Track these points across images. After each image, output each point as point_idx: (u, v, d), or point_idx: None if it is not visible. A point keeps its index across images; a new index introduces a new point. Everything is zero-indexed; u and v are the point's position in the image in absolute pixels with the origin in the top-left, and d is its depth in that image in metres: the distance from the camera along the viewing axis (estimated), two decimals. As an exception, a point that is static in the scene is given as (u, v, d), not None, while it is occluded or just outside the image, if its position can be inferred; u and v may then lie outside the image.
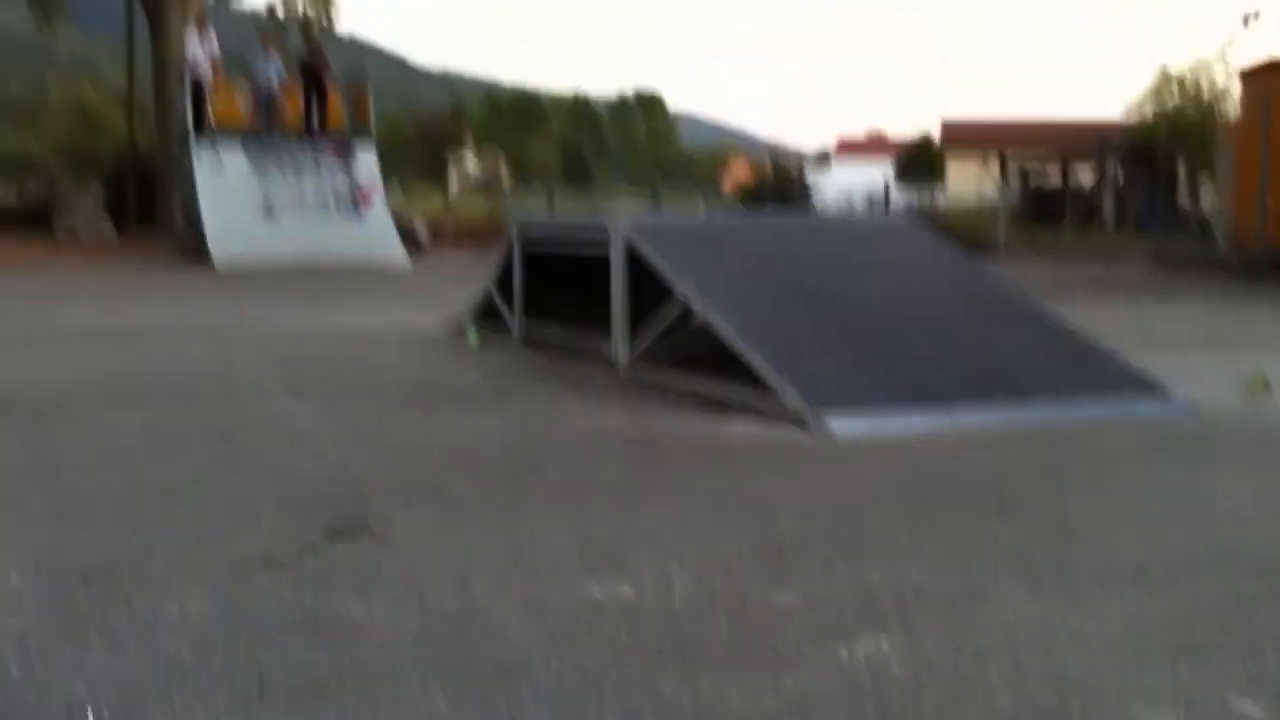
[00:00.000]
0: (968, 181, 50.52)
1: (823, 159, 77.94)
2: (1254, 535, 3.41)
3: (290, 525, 3.44)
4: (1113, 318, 9.87)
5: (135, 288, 12.60)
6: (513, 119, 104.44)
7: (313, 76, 18.54)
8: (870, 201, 42.86)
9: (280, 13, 26.18)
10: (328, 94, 18.59)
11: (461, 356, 7.25)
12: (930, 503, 3.74)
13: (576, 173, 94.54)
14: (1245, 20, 19.95)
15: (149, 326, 8.77)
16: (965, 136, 65.27)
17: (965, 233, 24.10)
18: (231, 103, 19.06)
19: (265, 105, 18.73)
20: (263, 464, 4.26)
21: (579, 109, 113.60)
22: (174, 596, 2.82)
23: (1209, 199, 26.87)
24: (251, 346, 7.60)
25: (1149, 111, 44.30)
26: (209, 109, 18.53)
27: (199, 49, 18.80)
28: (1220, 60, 36.68)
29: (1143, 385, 5.55)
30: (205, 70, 18.69)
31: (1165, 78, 46.64)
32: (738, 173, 52.37)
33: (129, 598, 2.81)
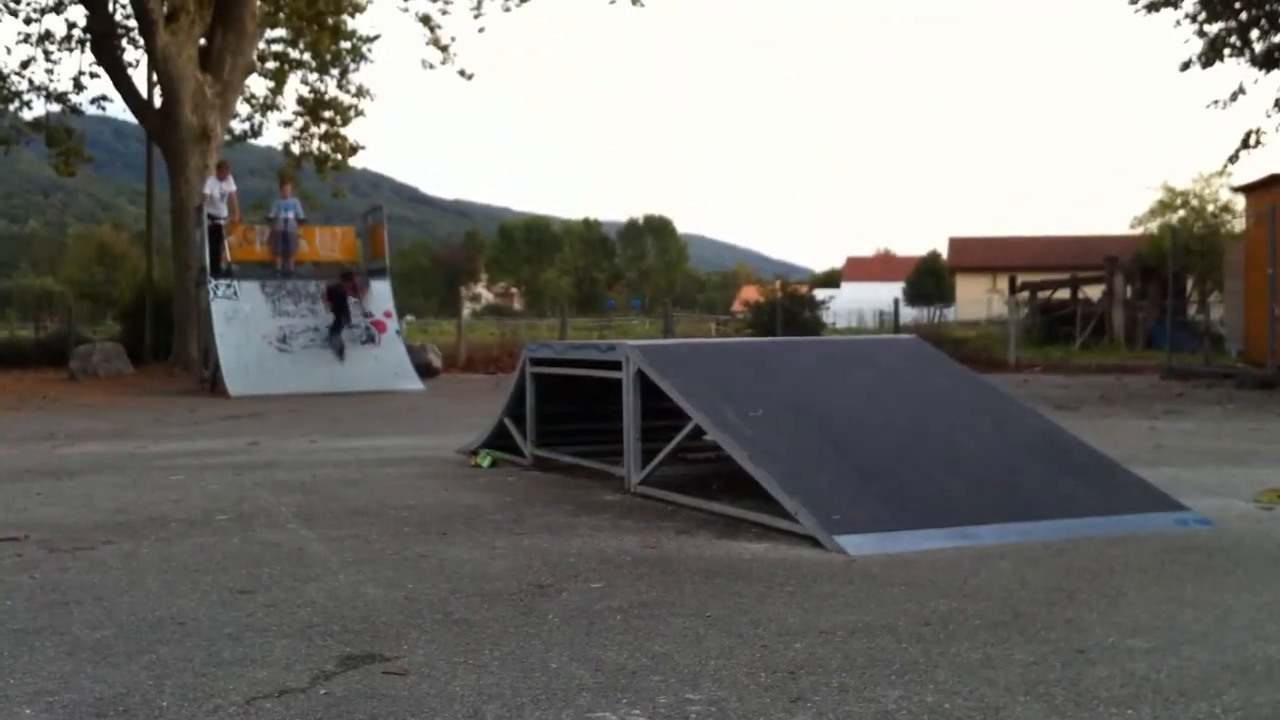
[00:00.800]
0: (977, 299, 50.92)
1: (832, 279, 78.53)
2: (1271, 649, 3.38)
3: (303, 654, 3.44)
4: (1125, 431, 9.88)
5: (150, 421, 12.68)
6: (525, 245, 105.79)
7: (343, 296, 18.42)
8: (880, 320, 43.01)
9: (296, 149, 26.65)
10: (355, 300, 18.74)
11: (474, 480, 7.26)
12: (945, 622, 3.72)
13: (589, 297, 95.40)
14: (1247, 137, 20.21)
15: (163, 458, 8.82)
16: (973, 254, 65.97)
17: (976, 349, 24.24)
18: (249, 240, 19.42)
19: (282, 242, 19.07)
20: (275, 592, 4.26)
21: (590, 234, 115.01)
22: (185, 729, 2.81)
23: (1218, 313, 26.98)
24: (264, 474, 7.64)
25: (1154, 227, 44.73)
26: (225, 246, 18.88)
27: (216, 188, 19.22)
28: (1222, 176, 37.17)
29: (1157, 499, 5.54)
30: (222, 209, 19.10)
31: (1170, 194, 47.30)
32: (748, 293, 52.80)
33: (140, 731, 2.80)
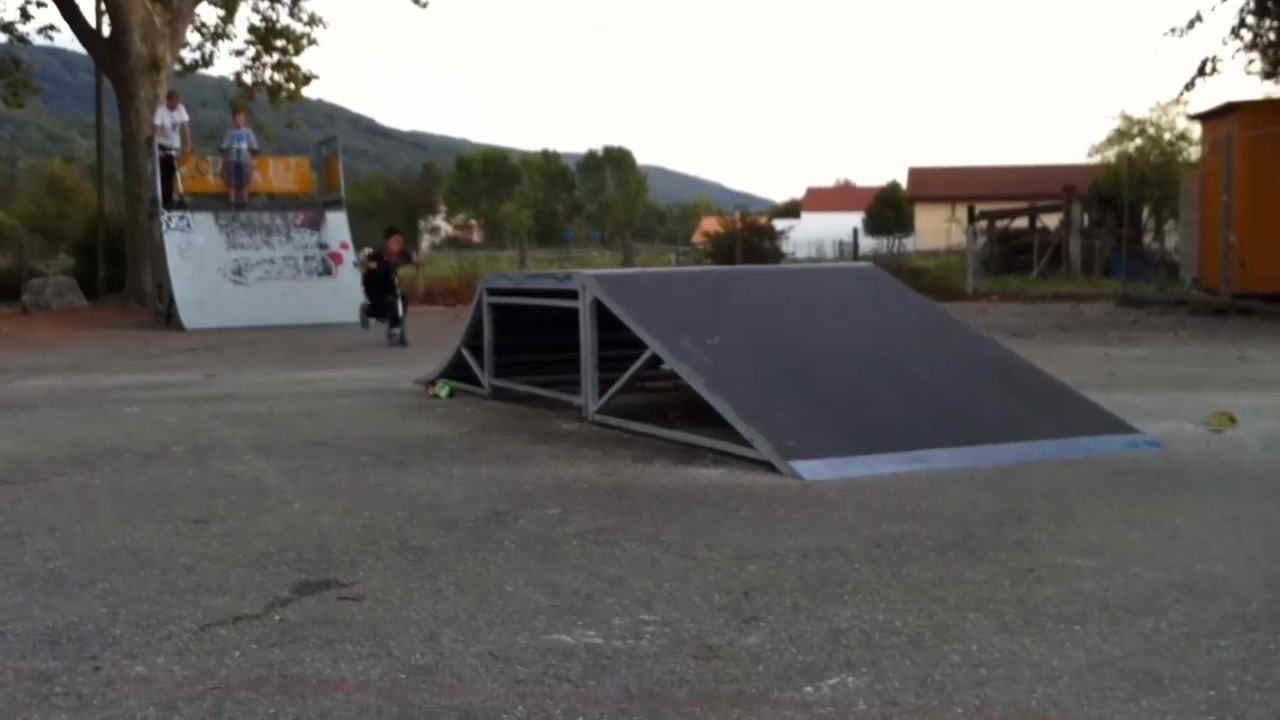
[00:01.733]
0: (936, 229, 51.08)
1: (792, 210, 78.57)
2: (1215, 567, 3.44)
3: (257, 582, 3.44)
4: (1079, 358, 9.97)
5: (104, 354, 12.57)
6: (483, 179, 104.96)
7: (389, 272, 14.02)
8: (840, 250, 43.09)
9: (249, 79, 26.23)
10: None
11: (431, 411, 7.25)
12: (897, 544, 3.76)
13: (548, 230, 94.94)
14: (1203, 66, 20.24)
15: (117, 391, 8.74)
16: (933, 185, 66.05)
17: (935, 279, 24.33)
18: (201, 172, 19.16)
19: (235, 174, 18.83)
20: (230, 523, 4.25)
21: (549, 166, 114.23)
22: (140, 657, 2.81)
23: (1174, 241, 27.18)
24: (220, 407, 7.59)
25: (1112, 156, 44.89)
26: (178, 179, 18.62)
27: (167, 119, 18.92)
28: (1179, 104, 37.29)
29: (1108, 423, 5.61)
30: (174, 140, 18.81)
31: (1127, 122, 47.42)
32: (708, 225, 52.72)
33: (95, 659, 2.80)
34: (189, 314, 16.55)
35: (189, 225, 17.80)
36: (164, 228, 17.66)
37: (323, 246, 18.29)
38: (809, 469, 4.84)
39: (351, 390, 8.47)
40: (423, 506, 4.47)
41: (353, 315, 17.45)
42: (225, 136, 19.52)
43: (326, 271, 18.12)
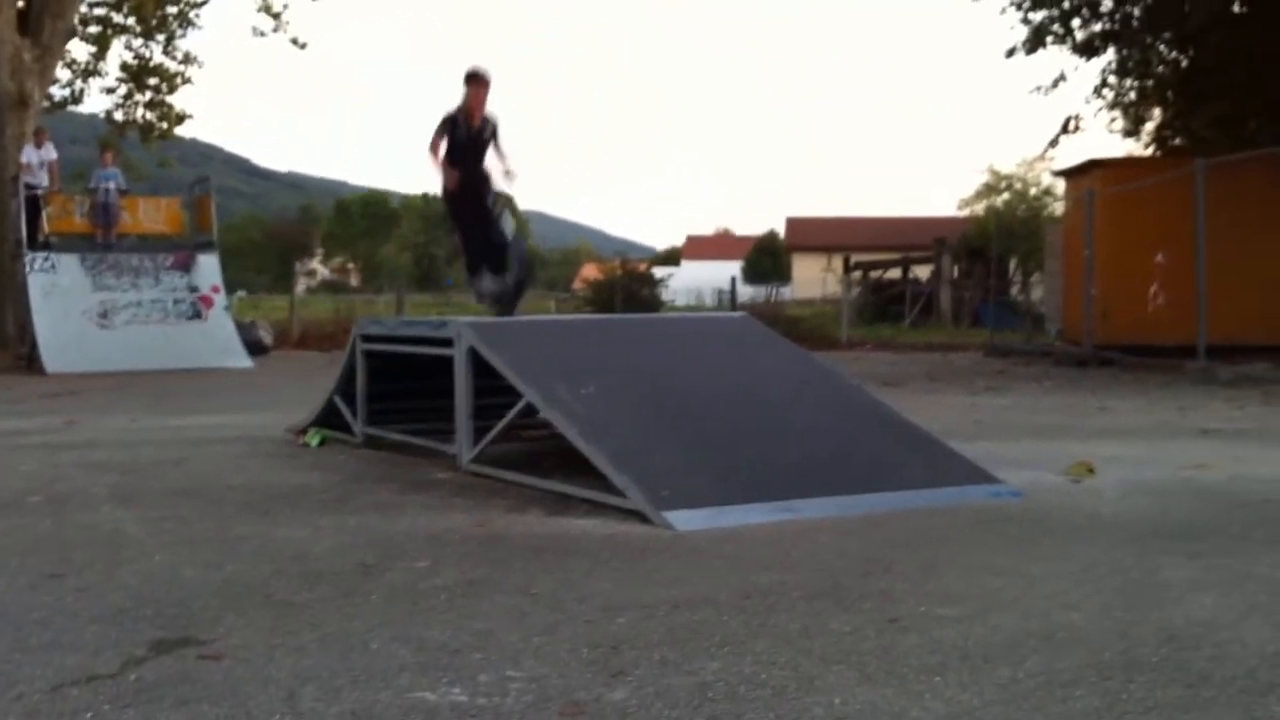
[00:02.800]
0: (813, 278, 51.90)
1: (672, 257, 79.14)
2: (1072, 616, 3.52)
3: (113, 639, 3.33)
4: (947, 407, 10.19)
5: (-39, 398, 12.14)
6: (362, 221, 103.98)
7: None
8: (719, 298, 43.47)
9: (120, 117, 25.71)
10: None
11: (302, 459, 7.13)
12: (766, 595, 3.79)
13: (428, 273, 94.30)
14: (1066, 123, 20.97)
15: (-26, 438, 8.45)
16: (810, 234, 67.20)
17: (810, 327, 24.72)
18: (68, 211, 18.71)
19: (103, 214, 18.42)
20: (87, 576, 4.12)
21: (429, 209, 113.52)
22: (-16, 719, 2.71)
23: (1039, 293, 27.98)
24: (81, 454, 7.38)
25: (980, 209, 46.17)
26: (44, 217, 18.15)
27: (34, 156, 18.46)
28: (1044, 160, 38.51)
29: (972, 473, 5.73)
30: (41, 177, 18.35)
31: (995, 177, 48.84)
32: (589, 271, 52.84)
33: (-65, 722, 2.69)
34: (52, 357, 16.10)
35: (54, 266, 17.36)
36: (28, 268, 17.19)
37: (193, 289, 17.96)
38: (681, 519, 4.86)
39: (219, 438, 8.30)
40: (288, 558, 4.39)
41: (223, 360, 17.03)
42: (93, 175, 19.10)
43: (196, 315, 17.80)
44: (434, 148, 8.55)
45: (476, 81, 8.56)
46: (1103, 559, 4.32)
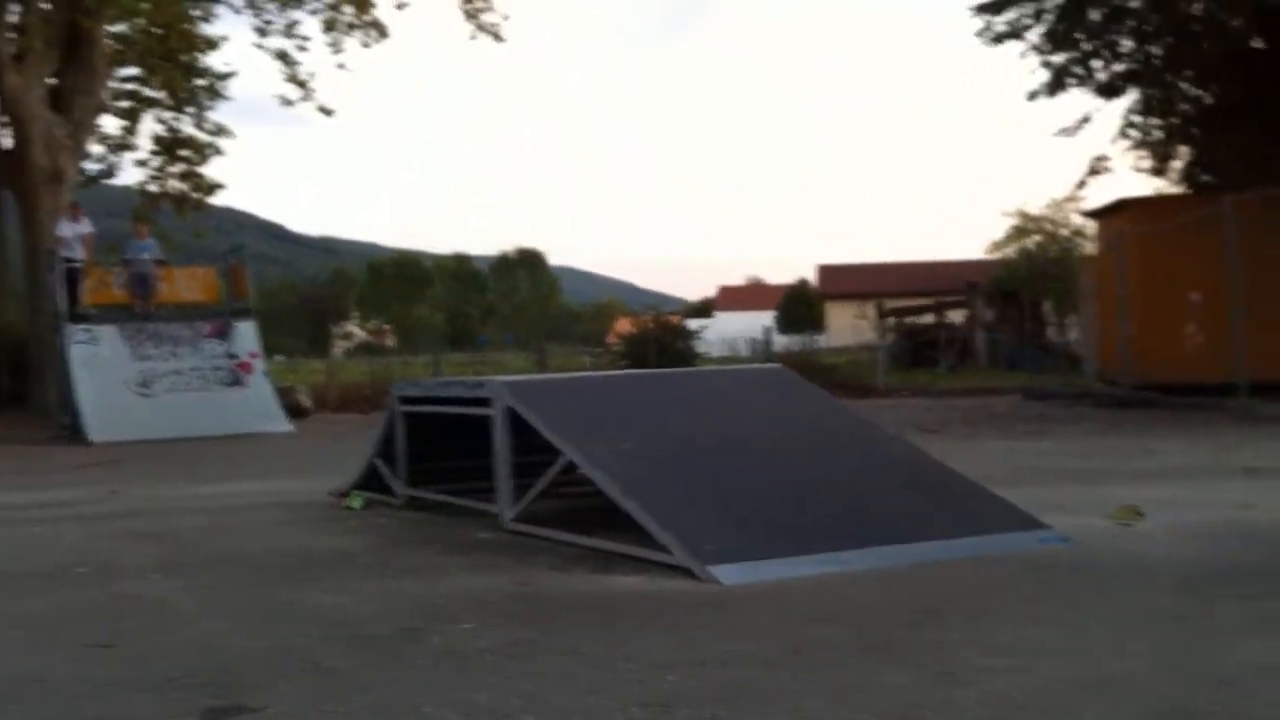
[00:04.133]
0: (847, 325, 51.80)
1: (705, 309, 79.30)
2: (1127, 663, 3.48)
3: (164, 708, 3.34)
4: (987, 452, 10.12)
5: (4, 471, 12.25)
6: (395, 282, 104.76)
7: None
8: (753, 348, 43.43)
9: (154, 189, 26.04)
10: None
11: (344, 523, 7.15)
12: (815, 649, 3.76)
13: (461, 333, 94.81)
14: (1094, 164, 20.93)
15: (17, 509, 8.52)
16: (842, 281, 67.14)
17: (847, 375, 24.64)
18: (106, 284, 18.94)
19: (140, 285, 18.62)
20: (136, 646, 4.13)
21: (461, 269, 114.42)
22: (39, 794, 2.71)
23: (1075, 334, 27.84)
24: (125, 524, 7.42)
25: (1011, 252, 45.99)
26: (82, 290, 18.38)
27: (69, 230, 18.73)
28: (1073, 201, 38.40)
29: (1018, 519, 5.68)
30: (77, 251, 18.60)
31: (1024, 219, 48.72)
32: (621, 325, 52.99)
33: (-9, 798, 2.70)
34: (94, 427, 16.23)
35: (94, 338, 17.54)
36: (68, 340, 17.38)
37: (231, 356, 18.10)
38: (726, 573, 4.84)
39: (262, 504, 8.33)
40: (334, 624, 4.39)
41: (264, 425, 17.14)
42: (127, 247, 19.35)
43: (236, 381, 17.92)
44: None
45: None
46: (1155, 605, 4.27)
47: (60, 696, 3.52)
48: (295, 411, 18.89)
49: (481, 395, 6.75)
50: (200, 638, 4.25)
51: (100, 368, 17.24)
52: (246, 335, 18.44)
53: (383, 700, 3.36)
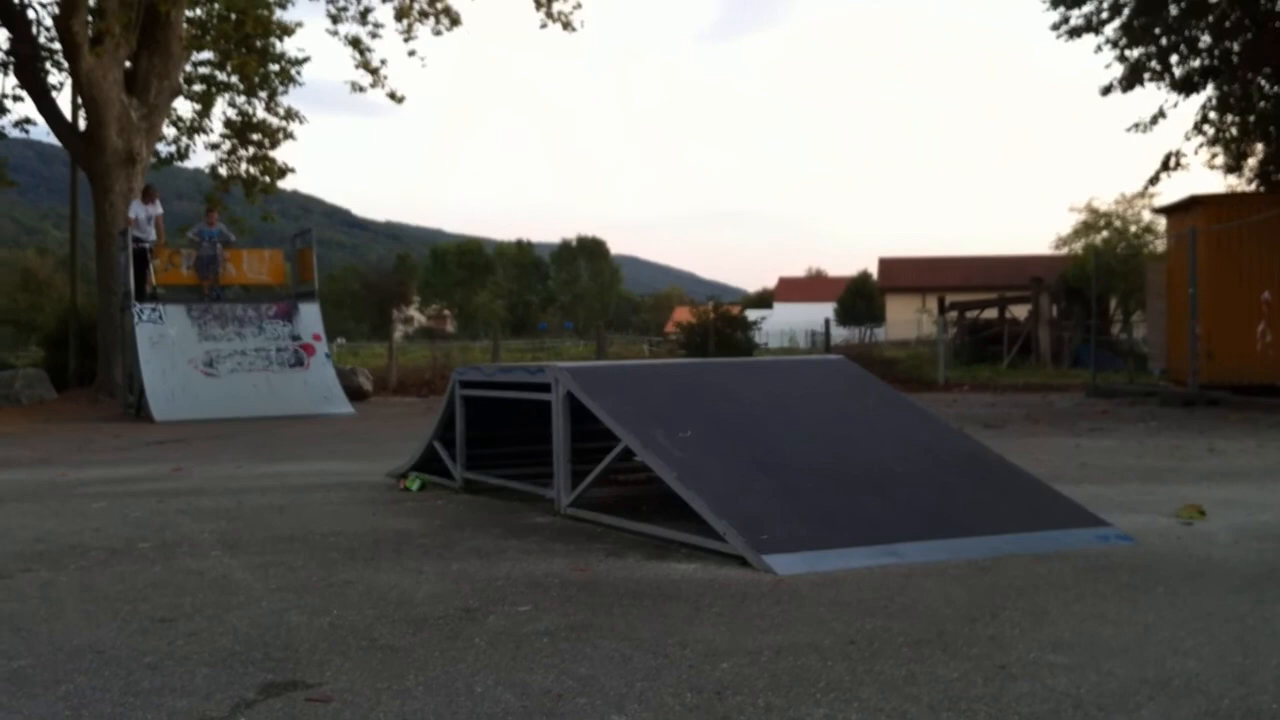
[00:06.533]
0: (907, 319, 51.47)
1: (765, 300, 79.03)
2: (1188, 664, 3.43)
3: (223, 682, 3.39)
4: (1050, 449, 10.01)
5: (72, 448, 12.47)
6: (458, 268, 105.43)
7: None
8: (812, 340, 43.27)
9: (224, 172, 26.37)
10: None
11: (403, 505, 7.21)
12: (870, 640, 3.74)
13: (522, 320, 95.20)
14: (1167, 160, 20.61)
15: (84, 485, 8.67)
16: (903, 275, 66.70)
17: (906, 369, 24.48)
18: (175, 265, 19.20)
19: (207, 266, 18.88)
20: (196, 621, 4.19)
21: (523, 256, 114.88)
22: (101, 761, 2.76)
23: (1141, 332, 27.46)
24: (188, 501, 7.53)
25: (1079, 248, 45.47)
26: (151, 271, 18.65)
27: (142, 212, 19.00)
28: (1144, 197, 37.85)
29: (1080, 517, 5.62)
30: (149, 232, 18.88)
31: (1093, 215, 48.12)
32: (681, 315, 52.96)
33: (54, 764, 2.75)
34: (159, 406, 16.48)
35: (161, 317, 17.79)
36: (136, 320, 17.64)
37: (295, 338, 18.30)
38: (782, 563, 4.83)
39: (322, 484, 8.42)
40: (392, 603, 4.43)
41: (325, 407, 17.35)
42: (197, 231, 19.63)
43: (299, 363, 18.10)
44: None
45: None
46: (1217, 605, 4.20)
47: (119, 668, 3.58)
48: (355, 394, 19.07)
49: (542, 380, 6.77)
50: (260, 614, 4.30)
51: (166, 348, 17.49)
52: (310, 317, 18.62)
53: (439, 679, 3.38)
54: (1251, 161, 21.21)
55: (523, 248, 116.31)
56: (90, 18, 20.99)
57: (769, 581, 4.66)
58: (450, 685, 3.32)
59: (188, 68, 24.81)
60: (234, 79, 25.85)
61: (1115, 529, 5.51)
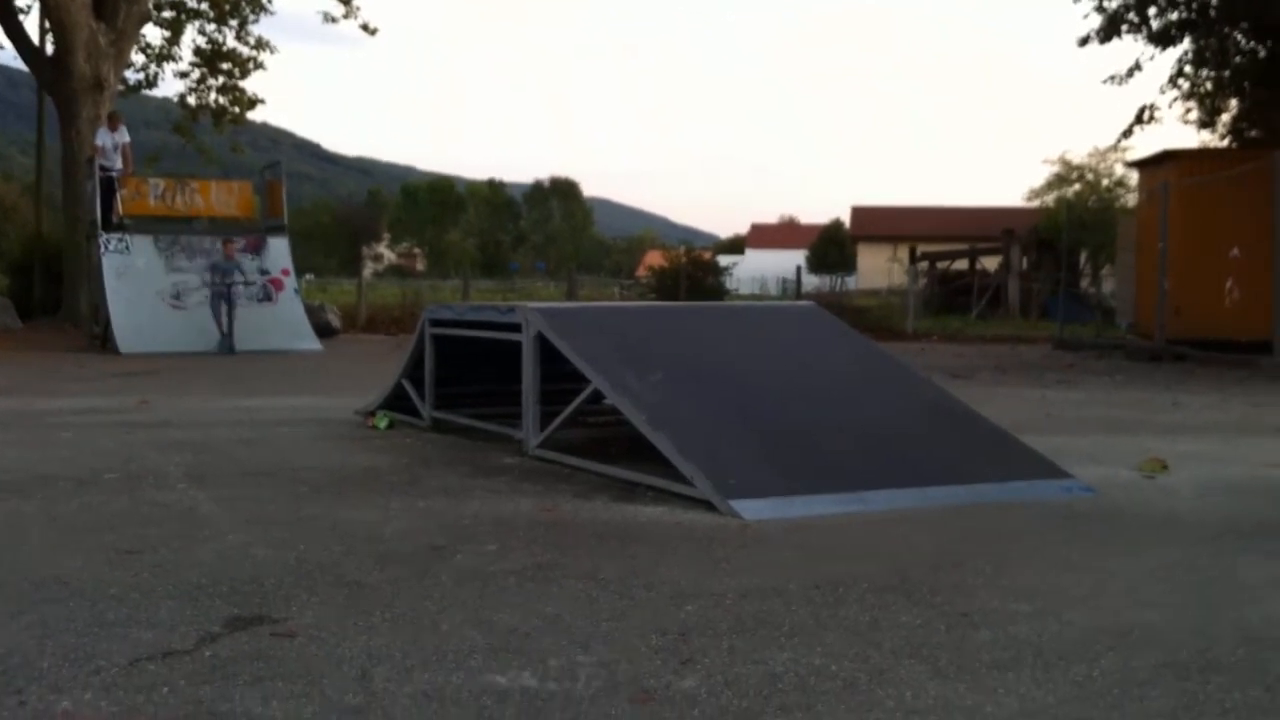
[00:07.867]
0: (879, 268, 51.56)
1: (736, 246, 78.97)
2: (1147, 614, 3.48)
3: (188, 616, 3.38)
4: (1017, 400, 10.08)
5: (38, 377, 12.38)
6: (429, 206, 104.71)
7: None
8: (784, 287, 43.29)
9: (193, 101, 26.04)
10: None
11: (371, 442, 7.20)
12: (835, 586, 3.77)
13: (493, 260, 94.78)
14: (1141, 113, 20.64)
15: (51, 415, 8.61)
16: (875, 224, 66.66)
17: (876, 318, 24.55)
18: (142, 194, 18.94)
19: (224, 304, 16.98)
20: (162, 553, 4.18)
21: (495, 196, 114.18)
22: (66, 692, 2.76)
23: (1110, 286, 27.61)
24: (155, 434, 7.49)
25: (1050, 200, 45.58)
26: (118, 200, 18.39)
27: (109, 140, 18.71)
28: (1117, 151, 37.91)
29: (1044, 467, 5.66)
30: (115, 161, 18.59)
31: (1066, 168, 48.19)
32: (653, 259, 52.86)
33: (21, 693, 2.74)
34: (125, 338, 16.34)
35: (128, 248, 17.59)
36: (102, 249, 17.45)
37: (264, 272, 18.14)
38: (749, 508, 4.85)
39: (290, 419, 8.39)
40: (359, 539, 4.43)
41: (293, 342, 17.22)
42: (211, 259, 17.54)
43: (267, 297, 17.97)
44: None
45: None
46: (1178, 557, 4.26)
47: (84, 599, 3.57)
48: (324, 331, 18.96)
49: (512, 320, 6.75)
50: (226, 548, 4.30)
51: (133, 279, 17.30)
52: (279, 252, 18.46)
53: (405, 616, 3.39)
54: (1225, 117, 21.28)
55: (495, 187, 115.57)
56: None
57: (736, 526, 4.69)
58: (416, 622, 3.33)
59: (158, -7, 24.43)
60: (204, 6, 25.51)
61: (1078, 481, 5.56)
